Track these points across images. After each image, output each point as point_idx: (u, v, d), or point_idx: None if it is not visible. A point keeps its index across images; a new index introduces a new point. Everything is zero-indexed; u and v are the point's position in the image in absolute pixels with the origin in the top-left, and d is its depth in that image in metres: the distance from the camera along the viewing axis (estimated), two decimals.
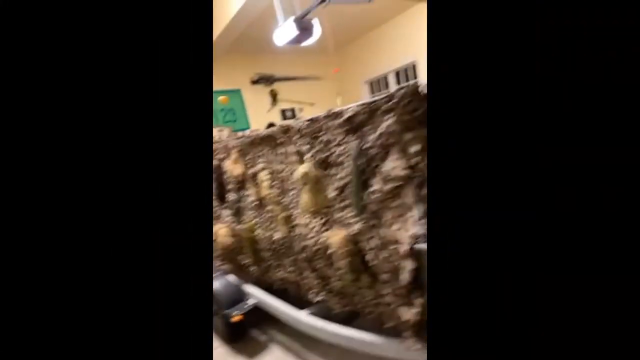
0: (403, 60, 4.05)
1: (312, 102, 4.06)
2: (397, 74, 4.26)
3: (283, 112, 4.37)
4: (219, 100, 3.52)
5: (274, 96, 4.31)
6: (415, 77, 4.12)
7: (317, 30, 1.88)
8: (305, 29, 1.82)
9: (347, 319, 1.33)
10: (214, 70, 3.22)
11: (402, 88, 0.83)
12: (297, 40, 1.90)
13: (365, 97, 4.47)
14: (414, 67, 4.06)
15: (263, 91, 4.15)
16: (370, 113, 0.93)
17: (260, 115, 3.89)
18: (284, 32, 1.84)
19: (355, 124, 0.98)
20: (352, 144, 0.98)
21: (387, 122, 0.87)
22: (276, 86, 4.23)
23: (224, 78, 3.68)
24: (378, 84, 4.51)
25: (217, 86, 3.78)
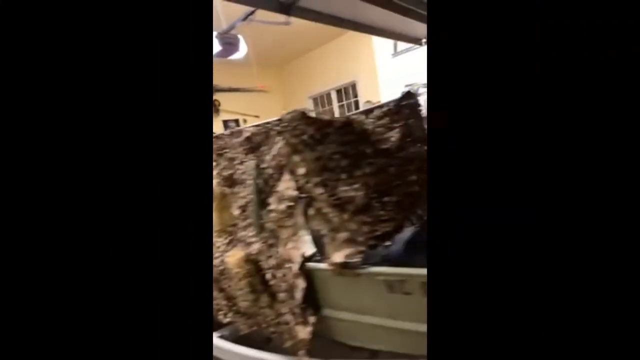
0: (345, 78, 4.22)
1: (257, 115, 4.03)
2: (339, 91, 4.42)
3: (225, 122, 4.28)
4: None
5: (215, 107, 4.21)
6: (356, 96, 4.32)
7: (242, 46, 1.90)
8: (229, 44, 1.83)
9: (264, 342, 1.31)
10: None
11: (290, 112, 0.87)
12: (222, 54, 1.89)
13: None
14: (353, 85, 4.25)
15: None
16: (266, 134, 0.95)
17: None
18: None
19: (254, 144, 0.99)
20: (251, 164, 0.99)
21: (279, 145, 0.90)
22: (219, 97, 4.14)
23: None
24: (322, 99, 4.64)
25: None
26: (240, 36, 1.88)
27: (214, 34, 1.78)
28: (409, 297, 0.77)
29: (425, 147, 1.20)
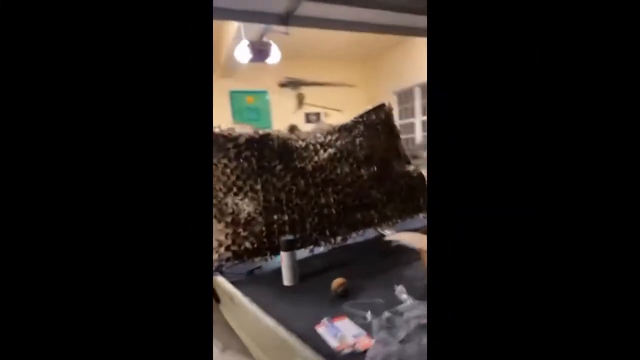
0: None
1: (339, 109, 4.17)
2: (422, 88, 4.08)
3: (307, 115, 4.58)
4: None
5: (300, 99, 4.54)
6: None
7: (274, 52, 2.03)
8: (260, 51, 1.98)
9: None
10: (244, 74, 3.54)
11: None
12: (256, 59, 2.07)
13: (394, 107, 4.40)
14: None
15: (290, 94, 4.41)
16: None
17: (285, 117, 4.16)
18: (241, 52, 2.03)
19: None
20: None
21: None
22: (304, 90, 4.44)
23: (253, 80, 4.05)
24: (405, 95, 4.39)
25: (245, 87, 4.18)
26: (271, 42, 2.02)
27: (246, 42, 1.97)
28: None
29: (364, 171, 1.13)
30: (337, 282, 0.71)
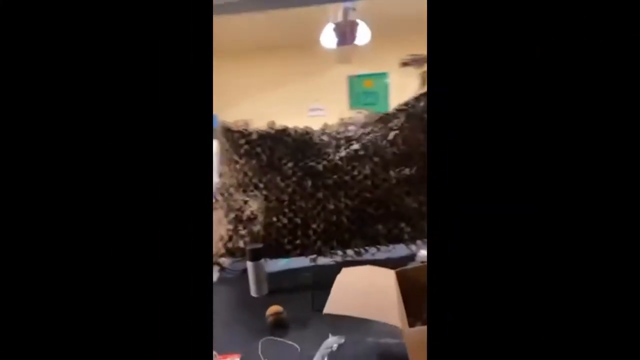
0: None
1: None
2: None
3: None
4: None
5: (423, 79, 4.04)
6: None
7: (362, 31, 1.78)
8: (345, 32, 1.77)
9: None
10: (361, 56, 3.61)
11: None
12: (342, 42, 1.87)
13: None
14: None
15: (413, 74, 4.00)
16: None
17: (405, 99, 3.83)
18: (327, 37, 1.87)
19: None
20: None
21: None
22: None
23: (372, 61, 3.86)
24: None
25: (363, 70, 4.04)
26: (359, 21, 1.78)
27: (331, 26, 1.80)
28: None
29: (394, 173, 0.88)
30: (272, 309, 0.61)
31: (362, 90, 3.98)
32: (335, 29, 1.88)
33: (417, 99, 0.95)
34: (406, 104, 0.96)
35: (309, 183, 0.88)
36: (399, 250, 0.92)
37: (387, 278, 0.53)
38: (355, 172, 0.89)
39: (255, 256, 0.75)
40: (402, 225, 0.89)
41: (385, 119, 0.96)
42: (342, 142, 0.95)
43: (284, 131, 0.96)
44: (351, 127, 0.97)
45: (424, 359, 0.39)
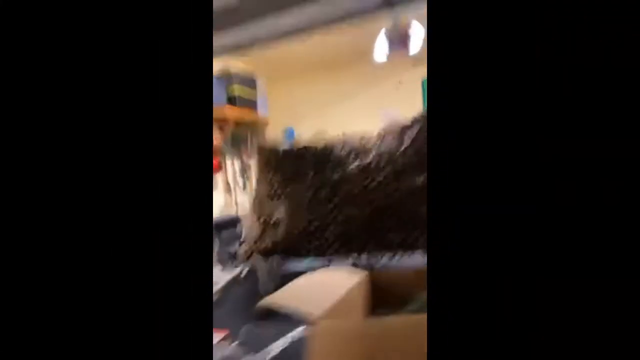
0: None
1: None
2: None
3: None
4: None
5: None
6: None
7: (415, 39, 1.67)
8: (395, 42, 1.69)
9: None
10: None
11: None
12: (395, 51, 1.78)
13: None
14: None
15: None
16: None
17: None
18: (379, 49, 1.80)
19: None
20: None
21: None
22: None
23: None
24: None
25: None
26: (411, 30, 1.68)
27: (383, 31, 1.74)
28: None
29: (406, 181, 0.86)
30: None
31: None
32: (387, 35, 1.87)
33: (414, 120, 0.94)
34: (422, 115, 0.95)
35: (324, 192, 0.96)
36: (415, 258, 0.91)
37: (346, 279, 0.57)
38: (367, 182, 0.93)
39: (249, 257, 0.87)
40: (416, 233, 0.89)
41: (402, 130, 0.97)
42: (360, 154, 1.00)
43: (306, 148, 1.07)
44: (367, 140, 1.01)
45: (324, 354, 0.41)
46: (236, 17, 1.46)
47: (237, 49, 1.82)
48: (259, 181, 1.14)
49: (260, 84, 3.49)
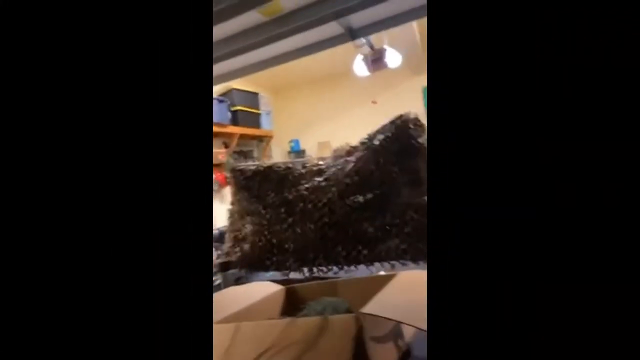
0: None
1: None
2: None
3: None
4: None
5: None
6: None
7: (392, 57, 1.74)
8: (375, 61, 1.77)
9: None
10: None
11: None
12: (375, 69, 1.86)
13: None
14: None
15: None
16: None
17: None
18: (359, 67, 1.90)
19: None
20: None
21: None
22: None
23: None
24: None
25: None
26: (387, 47, 1.75)
27: (360, 57, 1.84)
28: None
29: (351, 200, 0.94)
30: None
31: None
32: (364, 59, 1.99)
33: (372, 135, 1.02)
34: (367, 138, 1.04)
35: (282, 210, 1.07)
36: (361, 271, 0.99)
37: (263, 291, 0.68)
38: (317, 201, 1.03)
39: (224, 268, 0.98)
40: (360, 247, 0.97)
41: (350, 152, 1.06)
42: (315, 174, 1.10)
43: (271, 167, 1.18)
44: (322, 162, 1.11)
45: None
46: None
47: (234, 73, 1.98)
48: (232, 199, 1.26)
49: (264, 99, 3.67)
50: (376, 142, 1.01)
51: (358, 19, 1.38)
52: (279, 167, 1.17)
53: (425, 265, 0.91)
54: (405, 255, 0.93)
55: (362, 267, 1.00)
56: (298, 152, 4.03)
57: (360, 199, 0.98)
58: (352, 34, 1.39)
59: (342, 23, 1.37)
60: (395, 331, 0.45)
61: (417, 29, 2.62)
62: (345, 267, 1.00)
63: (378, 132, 1.04)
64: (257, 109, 3.52)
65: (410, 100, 4.07)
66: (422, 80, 3.91)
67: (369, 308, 0.60)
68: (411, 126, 0.99)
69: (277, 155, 4.11)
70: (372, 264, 0.97)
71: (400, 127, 0.99)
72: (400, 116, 1.01)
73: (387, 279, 0.93)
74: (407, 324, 0.47)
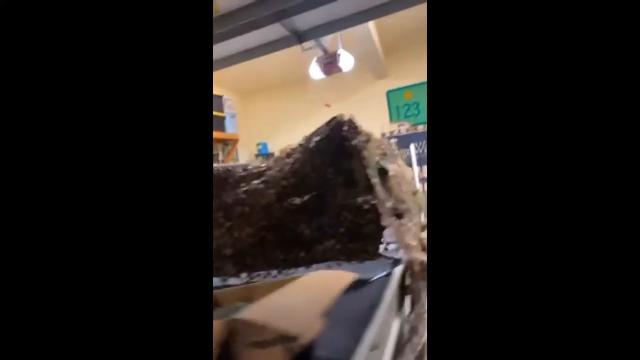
0: None
1: None
2: None
3: None
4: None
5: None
6: None
7: (345, 60, 1.79)
8: (329, 64, 1.81)
9: None
10: (402, 67, 3.89)
11: None
12: (329, 73, 1.90)
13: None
14: None
15: None
16: None
17: None
18: (314, 70, 1.93)
19: None
20: None
21: None
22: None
23: (411, 72, 3.75)
24: None
25: (402, 82, 3.93)
26: (340, 51, 1.80)
27: (314, 59, 1.88)
28: None
29: (288, 202, 0.94)
30: None
31: (403, 102, 3.89)
32: (317, 62, 2.01)
33: (309, 137, 1.03)
34: (304, 140, 1.04)
35: (221, 214, 1.04)
36: (299, 273, 0.99)
37: None
38: (255, 204, 1.01)
39: None
40: (297, 250, 0.96)
41: (289, 154, 1.06)
42: (254, 177, 1.09)
43: (215, 170, 1.15)
44: (264, 164, 1.10)
45: None
46: None
47: None
48: None
49: (228, 102, 3.62)
50: (312, 145, 1.02)
51: (303, 21, 1.38)
52: (218, 170, 1.14)
53: (356, 265, 0.92)
54: (340, 256, 0.93)
55: (301, 269, 0.99)
56: (266, 155, 4.00)
57: (298, 200, 0.97)
58: (299, 37, 1.39)
59: (286, 25, 1.37)
60: (283, 335, 0.45)
61: (374, 31, 2.68)
62: (284, 270, 0.99)
63: (314, 134, 1.05)
64: (221, 111, 3.46)
65: (376, 104, 4.17)
66: (385, 84, 4.00)
67: (246, 312, 0.58)
68: (345, 128, 0.99)
69: (244, 158, 4.05)
70: (310, 265, 0.97)
71: (334, 129, 0.99)
72: (334, 118, 1.02)
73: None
74: (275, 326, 0.46)
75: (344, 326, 0.63)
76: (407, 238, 0.95)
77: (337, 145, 1.00)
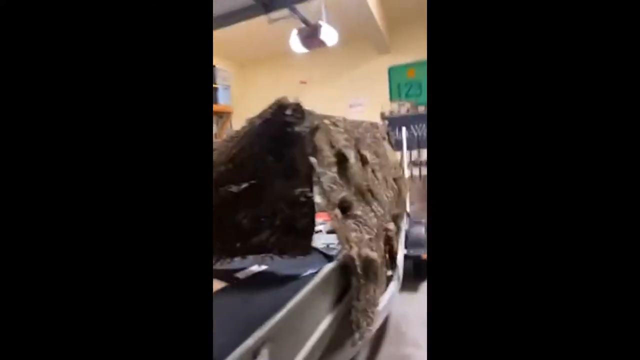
0: None
1: None
2: None
3: None
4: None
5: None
6: None
7: (328, 33, 1.63)
8: (309, 37, 1.66)
9: None
10: (406, 44, 3.73)
11: None
12: (311, 46, 1.74)
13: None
14: None
15: None
16: None
17: None
18: (295, 43, 1.78)
19: None
20: None
21: None
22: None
23: (416, 49, 3.51)
24: None
25: (405, 59, 3.70)
26: (322, 23, 1.64)
27: (295, 32, 1.72)
28: None
29: (225, 190, 0.88)
30: None
31: (405, 81, 3.70)
32: (298, 35, 1.87)
33: (252, 120, 0.95)
34: (247, 122, 0.96)
35: None
36: (236, 263, 0.95)
37: None
38: None
39: None
40: (234, 240, 0.92)
41: (233, 137, 0.99)
42: None
43: None
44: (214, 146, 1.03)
45: None
46: None
47: None
48: None
49: (222, 73, 3.50)
50: (254, 128, 0.94)
51: None
52: None
53: (287, 259, 0.88)
54: (274, 249, 0.89)
55: (237, 260, 0.95)
56: None
57: (234, 188, 0.92)
58: (265, 6, 1.27)
59: None
60: None
61: (373, 1, 2.48)
62: (221, 260, 0.96)
63: (257, 116, 0.97)
64: (214, 83, 3.36)
65: (379, 81, 3.97)
66: (389, 60, 3.78)
67: None
68: (288, 112, 0.91)
69: None
70: (246, 257, 0.93)
71: (276, 113, 0.92)
72: (278, 101, 0.93)
73: None
74: None
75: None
76: (347, 233, 0.89)
77: (278, 131, 0.92)
